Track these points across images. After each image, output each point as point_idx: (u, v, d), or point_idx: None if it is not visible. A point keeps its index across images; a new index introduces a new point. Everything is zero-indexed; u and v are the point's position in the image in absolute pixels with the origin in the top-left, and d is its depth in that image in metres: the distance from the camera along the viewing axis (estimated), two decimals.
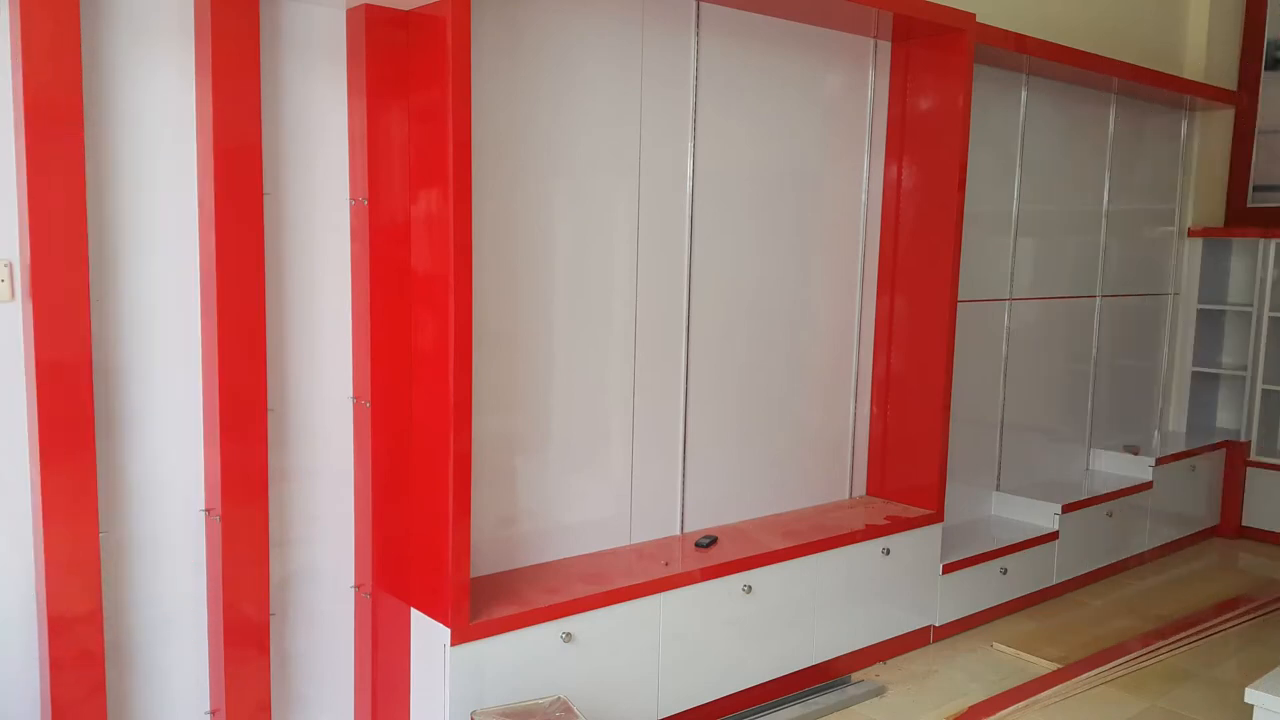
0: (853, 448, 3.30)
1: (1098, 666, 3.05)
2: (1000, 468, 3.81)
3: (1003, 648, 3.21)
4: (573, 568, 2.56)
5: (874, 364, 3.30)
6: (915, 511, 3.15)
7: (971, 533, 3.53)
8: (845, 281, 3.21)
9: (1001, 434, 3.78)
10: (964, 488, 3.63)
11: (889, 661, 3.09)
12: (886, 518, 3.08)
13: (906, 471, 3.24)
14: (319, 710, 2.37)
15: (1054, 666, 3.06)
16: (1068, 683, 2.94)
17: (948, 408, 3.15)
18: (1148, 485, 4.08)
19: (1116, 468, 4.20)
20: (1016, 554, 3.46)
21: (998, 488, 3.81)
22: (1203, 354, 4.68)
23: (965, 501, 3.65)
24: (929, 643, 3.23)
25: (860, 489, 3.34)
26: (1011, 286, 3.72)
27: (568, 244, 2.55)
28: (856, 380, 3.27)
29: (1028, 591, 3.56)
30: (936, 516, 3.15)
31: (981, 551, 3.33)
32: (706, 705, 2.66)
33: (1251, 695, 2.25)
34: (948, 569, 3.20)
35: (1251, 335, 4.52)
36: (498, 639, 2.24)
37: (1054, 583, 3.66)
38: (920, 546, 3.12)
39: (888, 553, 3.01)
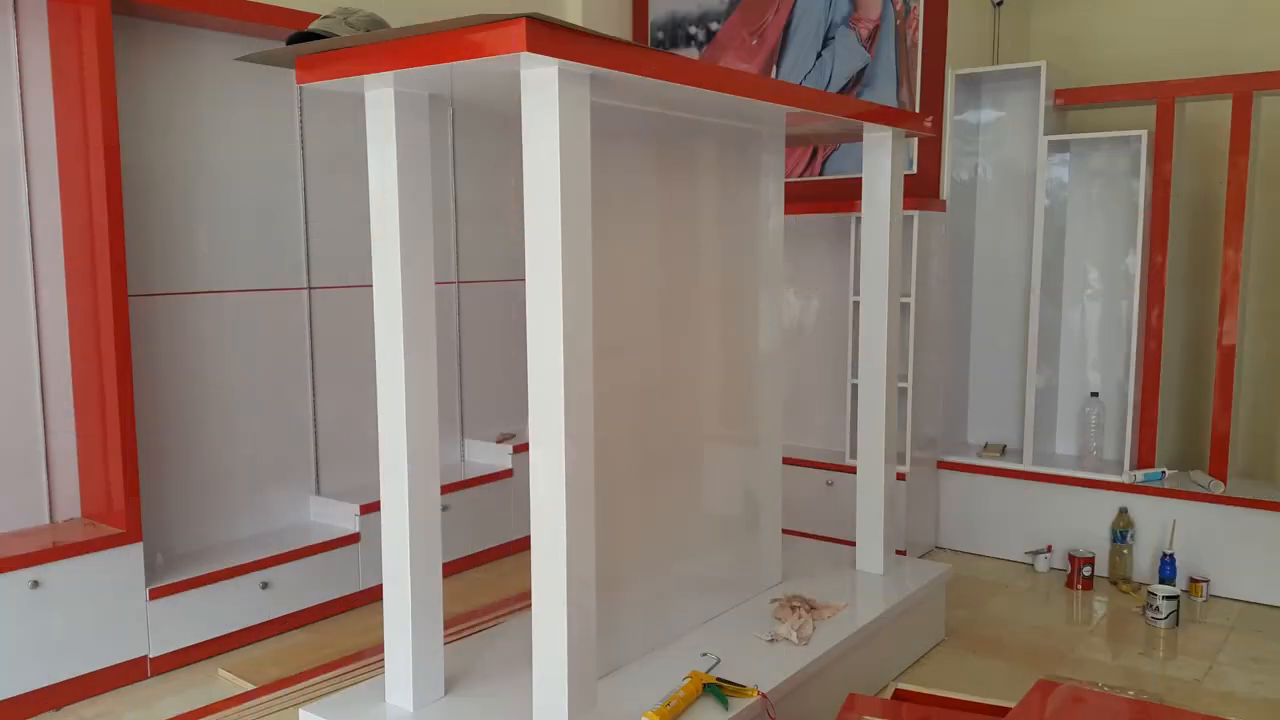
0: (47, 463, 2.88)
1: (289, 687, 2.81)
2: (319, 469, 3.54)
3: (228, 675, 2.90)
4: None
5: (73, 369, 2.91)
6: (106, 531, 2.79)
7: (261, 545, 3.23)
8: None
9: (316, 434, 3.52)
10: (280, 494, 3.40)
11: (65, 708, 2.71)
12: (54, 543, 2.69)
13: (106, 488, 2.87)
14: None
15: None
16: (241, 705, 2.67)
17: (130, 412, 2.78)
18: (508, 473, 3.96)
19: (491, 457, 4.06)
20: (296, 563, 3.18)
21: (317, 491, 3.54)
22: None
23: (282, 508, 3.41)
24: (145, 677, 2.87)
25: (72, 510, 2.94)
26: (310, 274, 3.46)
27: None
28: (42, 387, 2.86)
29: (315, 603, 3.28)
30: (130, 536, 2.80)
31: (220, 568, 3.01)
32: None
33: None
34: (157, 594, 2.86)
35: None
36: None
37: (360, 589, 3.43)
38: (109, 571, 2.75)
39: (37, 585, 2.62)
